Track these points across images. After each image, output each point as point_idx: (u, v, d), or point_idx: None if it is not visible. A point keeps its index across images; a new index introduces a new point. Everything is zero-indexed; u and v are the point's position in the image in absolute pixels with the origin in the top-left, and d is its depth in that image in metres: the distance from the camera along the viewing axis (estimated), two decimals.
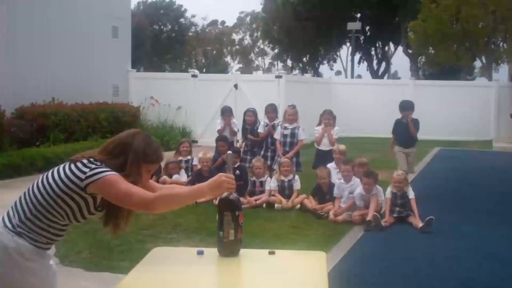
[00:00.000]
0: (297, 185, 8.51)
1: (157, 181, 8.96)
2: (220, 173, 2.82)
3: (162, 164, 9.25)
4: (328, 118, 9.37)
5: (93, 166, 2.71)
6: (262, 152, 9.54)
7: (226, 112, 10.18)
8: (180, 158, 9.50)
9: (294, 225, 7.30)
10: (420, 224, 7.14)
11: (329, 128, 9.28)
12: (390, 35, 37.79)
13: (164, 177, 8.94)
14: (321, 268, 2.84)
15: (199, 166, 9.26)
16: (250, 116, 9.77)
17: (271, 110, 9.68)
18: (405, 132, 9.29)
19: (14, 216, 2.72)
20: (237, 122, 10.37)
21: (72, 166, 2.76)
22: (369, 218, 7.22)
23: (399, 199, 7.59)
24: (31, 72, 13.62)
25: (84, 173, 2.69)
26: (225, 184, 2.78)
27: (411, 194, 7.64)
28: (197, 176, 8.99)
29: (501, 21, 23.41)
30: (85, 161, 2.76)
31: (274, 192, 8.51)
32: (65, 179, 2.71)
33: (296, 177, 8.59)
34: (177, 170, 9.04)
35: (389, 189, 7.68)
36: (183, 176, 9.01)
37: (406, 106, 9.43)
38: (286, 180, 8.50)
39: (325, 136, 9.27)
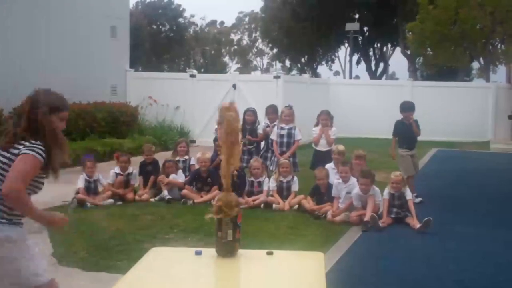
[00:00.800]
0: (295, 186, 8.51)
1: (155, 181, 8.96)
2: (60, 216, 3.33)
3: (160, 163, 9.24)
4: (325, 118, 9.38)
5: (27, 144, 3.16)
6: (261, 153, 9.55)
7: None
8: (178, 158, 9.48)
9: (292, 225, 7.30)
10: (418, 225, 7.15)
11: (327, 128, 9.29)
12: (388, 36, 37.79)
13: (162, 176, 8.93)
14: (319, 268, 2.84)
15: (196, 166, 9.24)
16: (250, 116, 9.77)
17: (272, 111, 9.69)
18: (409, 133, 9.14)
19: None
20: None
21: (12, 150, 3.17)
22: (366, 218, 7.23)
23: (396, 199, 7.60)
24: (29, 71, 13.59)
25: (19, 150, 3.15)
26: (54, 227, 3.39)
27: (408, 195, 7.64)
28: (195, 176, 8.98)
29: (499, 23, 23.43)
30: (21, 142, 3.17)
31: (272, 192, 8.51)
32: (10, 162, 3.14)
33: (295, 178, 8.58)
34: (174, 169, 9.00)
35: (386, 190, 7.68)
36: (180, 176, 8.98)
37: (407, 107, 9.28)
38: (284, 181, 8.50)
39: (323, 137, 9.28)
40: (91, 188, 8.57)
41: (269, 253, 3.05)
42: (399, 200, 7.59)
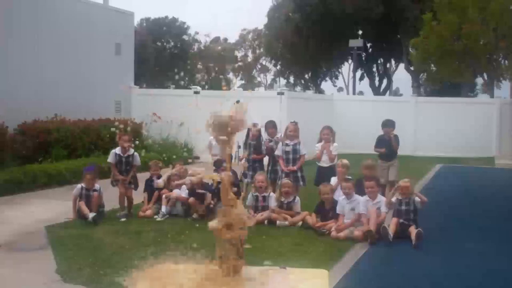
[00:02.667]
0: (297, 207, 8.43)
1: (159, 196, 8.95)
2: None
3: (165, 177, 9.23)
4: (326, 133, 9.41)
5: None
6: (270, 167, 9.58)
7: None
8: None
9: (296, 242, 7.26)
10: (414, 239, 7.13)
11: (328, 144, 9.31)
12: (391, 52, 37.96)
13: (165, 190, 8.94)
14: (324, 286, 2.83)
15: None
16: (255, 131, 9.82)
17: (271, 126, 9.84)
18: (388, 147, 9.87)
19: None
20: (240, 138, 10.39)
21: None
22: (371, 228, 7.22)
23: (404, 205, 7.57)
24: (34, 88, 13.69)
25: None
26: None
27: (417, 200, 7.66)
28: (191, 193, 8.96)
29: (503, 38, 23.48)
30: None
31: (274, 210, 8.43)
32: None
33: (297, 199, 8.50)
34: (178, 179, 9.00)
35: (394, 197, 7.69)
36: (183, 191, 8.93)
37: (388, 124, 10.11)
38: (285, 202, 8.41)
39: (325, 153, 9.29)
40: (88, 196, 8.50)
41: (283, 268, 3.04)
42: (406, 205, 7.57)
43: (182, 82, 38.99)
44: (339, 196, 8.15)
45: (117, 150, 8.84)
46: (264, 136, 9.84)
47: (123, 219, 8.45)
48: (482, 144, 19.82)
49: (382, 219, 7.62)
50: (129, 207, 8.90)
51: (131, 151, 8.92)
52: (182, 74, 42.49)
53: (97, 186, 8.69)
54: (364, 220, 7.56)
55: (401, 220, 7.52)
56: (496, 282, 5.87)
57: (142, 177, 9.77)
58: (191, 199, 8.73)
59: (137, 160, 8.96)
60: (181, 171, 9.37)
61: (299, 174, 9.07)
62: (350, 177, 8.46)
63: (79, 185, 8.70)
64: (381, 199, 7.74)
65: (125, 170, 8.81)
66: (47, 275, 5.70)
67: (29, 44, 13.73)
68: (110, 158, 8.81)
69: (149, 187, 9.17)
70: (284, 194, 8.41)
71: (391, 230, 7.29)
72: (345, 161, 8.87)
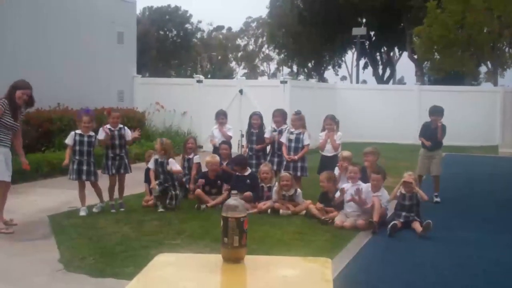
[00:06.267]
0: (299, 200, 8.39)
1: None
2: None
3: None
4: (330, 123, 9.35)
5: None
6: (268, 158, 9.55)
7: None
8: (186, 156, 9.50)
9: (299, 231, 7.27)
10: (420, 229, 7.11)
11: (332, 133, 9.27)
12: (395, 40, 37.75)
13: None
14: (327, 274, 2.82)
15: (203, 167, 9.24)
16: (256, 120, 9.77)
17: (279, 115, 9.67)
18: (432, 136, 9.51)
19: None
20: (243, 127, 10.38)
21: None
22: (375, 219, 7.22)
23: (407, 200, 7.55)
24: (36, 78, 13.55)
25: None
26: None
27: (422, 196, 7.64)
28: (203, 176, 8.89)
29: (507, 27, 23.37)
30: None
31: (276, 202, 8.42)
32: None
33: (298, 191, 8.45)
34: None
35: (398, 191, 7.67)
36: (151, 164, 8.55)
37: (435, 111, 9.70)
38: (287, 195, 8.36)
39: (328, 142, 9.25)
40: (83, 143, 8.01)
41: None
42: (410, 200, 7.55)
43: (189, 71, 38.87)
44: (342, 184, 8.14)
45: (107, 126, 8.43)
46: (272, 124, 9.73)
47: (113, 211, 8.27)
48: (486, 133, 19.79)
49: (383, 212, 7.61)
50: (120, 194, 8.59)
51: (121, 126, 8.52)
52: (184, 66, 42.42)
53: (92, 133, 8.13)
54: (369, 206, 7.53)
55: (404, 213, 7.50)
56: (499, 271, 5.86)
57: (141, 167, 9.77)
58: (198, 191, 8.66)
59: (128, 134, 8.56)
60: (192, 148, 9.47)
61: (299, 164, 9.02)
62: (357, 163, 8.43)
63: (72, 132, 8.11)
64: (383, 193, 7.71)
65: (118, 146, 8.43)
66: (50, 265, 5.71)
67: (30, 33, 13.68)
68: (100, 135, 8.30)
69: (149, 178, 9.08)
70: (284, 187, 8.34)
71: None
72: (346, 153, 8.77)
